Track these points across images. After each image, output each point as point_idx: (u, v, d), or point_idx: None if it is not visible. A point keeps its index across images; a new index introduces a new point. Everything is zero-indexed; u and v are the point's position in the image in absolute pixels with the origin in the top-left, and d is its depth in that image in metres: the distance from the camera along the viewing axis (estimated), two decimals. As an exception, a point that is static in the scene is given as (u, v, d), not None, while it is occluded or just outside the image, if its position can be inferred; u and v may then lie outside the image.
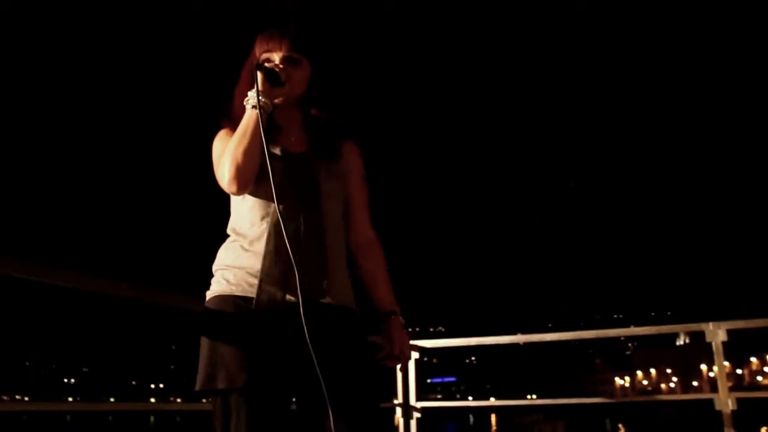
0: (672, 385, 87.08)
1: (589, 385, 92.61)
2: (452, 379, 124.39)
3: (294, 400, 1.80)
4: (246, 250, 1.83)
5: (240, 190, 1.79)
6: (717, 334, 3.79)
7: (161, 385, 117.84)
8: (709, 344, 3.83)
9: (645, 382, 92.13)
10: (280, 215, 1.77)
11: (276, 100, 1.83)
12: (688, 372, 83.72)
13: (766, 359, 77.70)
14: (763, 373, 78.35)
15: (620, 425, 45.33)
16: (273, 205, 1.76)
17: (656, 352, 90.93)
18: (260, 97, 1.76)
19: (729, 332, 3.79)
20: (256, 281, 1.78)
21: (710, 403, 3.73)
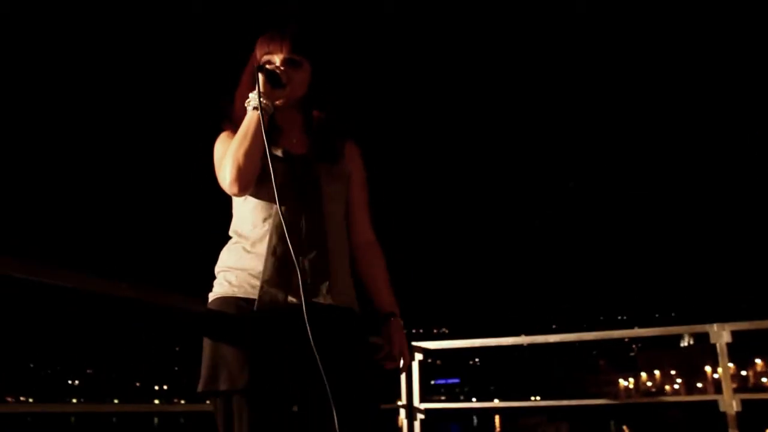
0: (676, 386, 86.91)
1: (592, 387, 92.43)
2: (456, 380, 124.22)
3: (296, 401, 1.80)
4: (248, 252, 1.83)
5: (241, 192, 1.80)
6: (721, 335, 3.79)
7: (165, 387, 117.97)
8: (714, 345, 3.82)
9: (649, 384, 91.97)
10: (282, 217, 1.77)
11: (277, 102, 1.83)
12: (692, 373, 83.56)
13: (770, 361, 77.55)
14: (767, 375, 78.17)
15: (624, 427, 45.27)
16: (275, 206, 1.77)
17: (660, 353, 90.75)
18: (261, 99, 1.77)
19: (733, 333, 3.78)
20: (258, 283, 1.78)
21: (714, 404, 3.73)
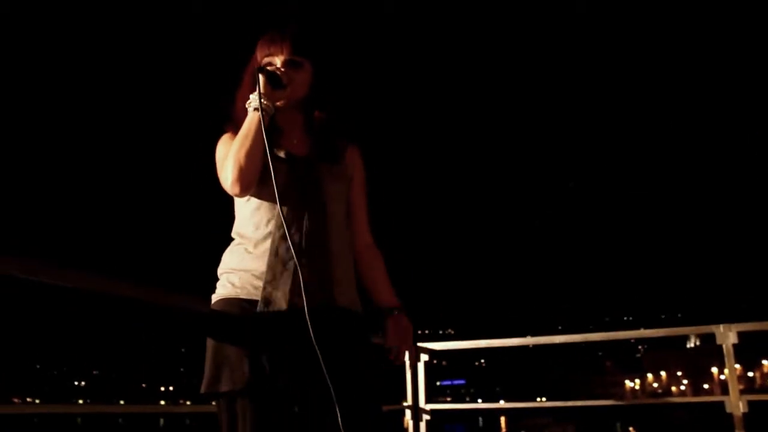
0: (682, 387, 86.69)
1: (598, 388, 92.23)
2: (462, 381, 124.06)
3: (298, 402, 1.80)
4: (250, 253, 1.83)
5: (243, 192, 1.80)
6: (728, 336, 3.77)
7: (171, 388, 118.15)
8: (720, 346, 3.81)
9: (655, 385, 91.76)
10: (284, 217, 1.78)
11: (278, 103, 1.84)
12: (698, 375, 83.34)
13: (777, 362, 77.29)
14: (774, 376, 77.92)
15: (631, 428, 45.18)
16: (277, 207, 1.77)
17: (667, 354, 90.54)
18: (262, 100, 1.77)
19: (740, 334, 3.77)
20: (261, 284, 1.79)
21: (721, 405, 3.71)
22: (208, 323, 1.83)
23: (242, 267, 1.83)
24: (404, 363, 4.43)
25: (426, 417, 4.35)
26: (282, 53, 1.88)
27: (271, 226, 1.82)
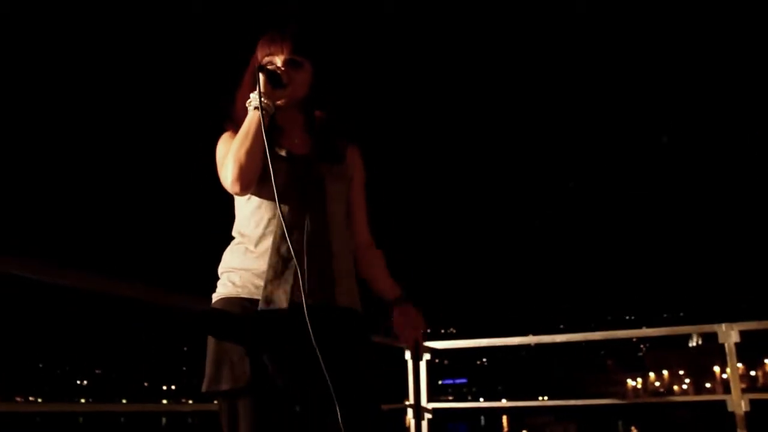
0: (684, 386, 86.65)
1: (600, 387, 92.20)
2: (463, 380, 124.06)
3: (299, 401, 1.81)
4: (251, 252, 1.83)
5: (243, 191, 1.81)
6: (730, 335, 3.77)
7: (173, 387, 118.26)
8: (722, 345, 3.81)
9: (657, 384, 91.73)
10: (285, 217, 1.78)
11: (278, 102, 1.84)
12: (700, 373, 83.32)
13: (779, 360, 77.22)
14: (776, 375, 77.86)
15: (633, 427, 45.15)
16: (278, 206, 1.77)
17: (669, 353, 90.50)
18: (262, 99, 1.78)
19: (742, 333, 3.77)
20: (261, 283, 1.79)
21: (723, 404, 3.71)
22: (210, 322, 1.83)
23: (243, 266, 1.83)
24: (407, 361, 4.43)
25: (428, 416, 4.36)
26: (282, 53, 1.88)
27: (272, 225, 1.82)
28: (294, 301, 1.75)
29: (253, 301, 1.79)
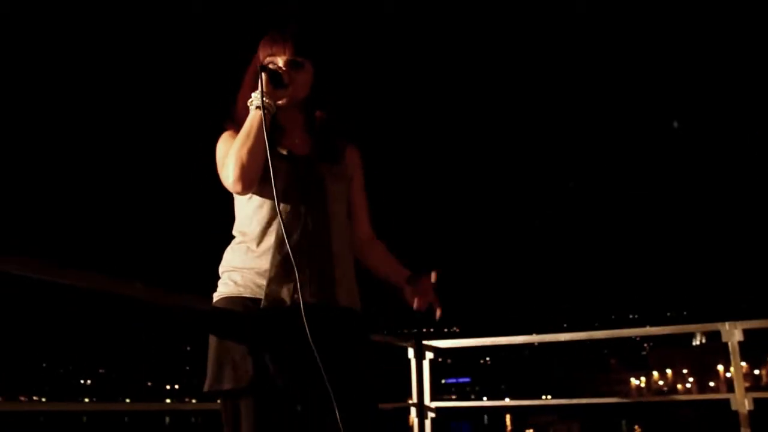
0: (688, 385, 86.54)
1: (604, 386, 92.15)
2: (467, 379, 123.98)
3: (300, 400, 1.81)
4: (253, 251, 1.84)
5: (245, 190, 1.81)
6: (733, 333, 3.76)
7: (176, 386, 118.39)
8: (726, 344, 3.79)
9: (661, 383, 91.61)
10: (286, 216, 1.79)
11: (279, 102, 1.85)
12: (704, 372, 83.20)
13: (783, 359, 77.06)
14: (780, 373, 77.72)
15: (636, 426, 45.13)
16: (279, 206, 1.77)
17: (672, 352, 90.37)
18: (264, 98, 1.78)
19: (745, 332, 3.75)
20: (264, 282, 1.79)
21: (726, 403, 3.70)
22: (212, 321, 1.83)
23: (245, 265, 1.83)
24: (410, 360, 4.43)
25: (431, 415, 4.35)
26: (284, 53, 1.88)
27: (273, 225, 1.83)
28: (296, 301, 1.75)
29: (255, 301, 1.79)
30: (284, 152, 1.88)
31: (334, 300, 1.84)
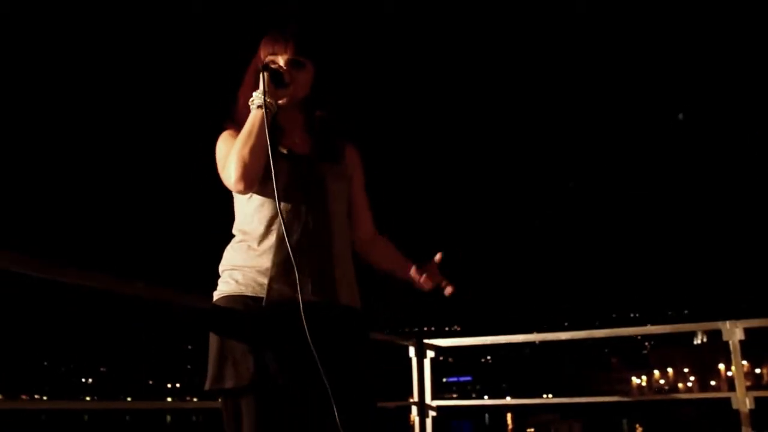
0: (689, 384, 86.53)
1: (605, 385, 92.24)
2: (468, 378, 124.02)
3: (301, 399, 1.81)
4: (254, 250, 1.84)
5: (246, 189, 1.81)
6: (734, 332, 3.75)
7: (177, 385, 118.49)
8: (727, 343, 3.79)
9: (662, 382, 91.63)
10: (288, 215, 1.80)
11: (280, 102, 1.85)
12: (705, 371, 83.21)
13: (784, 358, 77.01)
14: (781, 372, 77.69)
15: (637, 425, 45.14)
16: (280, 204, 1.78)
17: (673, 351, 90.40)
18: (266, 98, 1.79)
19: (746, 331, 3.75)
20: (265, 281, 1.79)
21: (727, 402, 3.70)
22: (213, 320, 1.84)
23: (246, 264, 1.84)
24: (411, 359, 4.44)
25: (432, 413, 4.35)
26: (285, 53, 1.89)
27: (274, 224, 1.83)
28: (297, 300, 1.75)
29: (256, 299, 1.79)
30: (284, 151, 1.88)
31: (335, 298, 1.84)
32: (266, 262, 1.81)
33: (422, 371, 4.40)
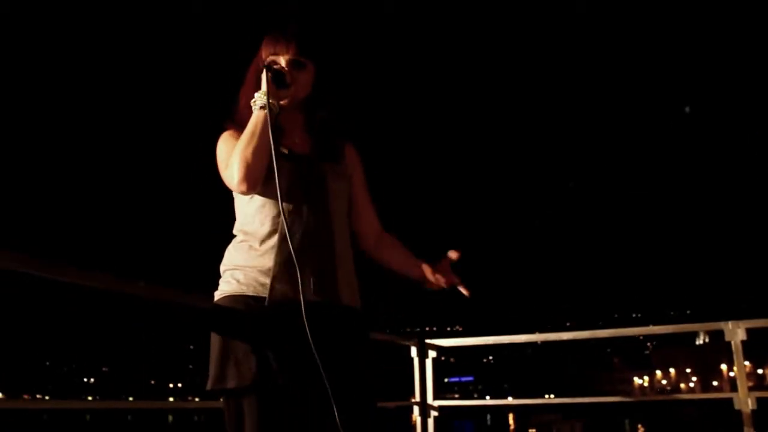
0: (692, 384, 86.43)
1: (607, 385, 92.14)
2: (470, 378, 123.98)
3: (303, 398, 1.81)
4: (255, 250, 1.84)
5: (250, 190, 1.81)
6: (736, 333, 3.75)
7: (179, 385, 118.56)
8: (729, 343, 3.79)
9: (664, 382, 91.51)
10: (289, 215, 1.80)
11: (281, 102, 1.85)
12: (707, 371, 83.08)
13: (787, 358, 76.91)
14: (784, 373, 77.58)
15: (639, 425, 45.09)
16: (282, 204, 1.78)
17: (676, 351, 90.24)
18: (269, 98, 1.79)
19: (749, 331, 3.74)
20: (267, 281, 1.80)
21: (729, 402, 3.69)
22: (216, 319, 1.84)
23: (247, 263, 1.84)
24: (413, 359, 4.43)
25: (434, 413, 4.35)
26: (287, 53, 1.89)
27: (276, 224, 1.83)
28: (299, 300, 1.75)
29: (258, 299, 1.79)
30: (285, 151, 1.88)
31: (337, 298, 1.84)
32: (268, 262, 1.81)
33: (424, 371, 4.40)
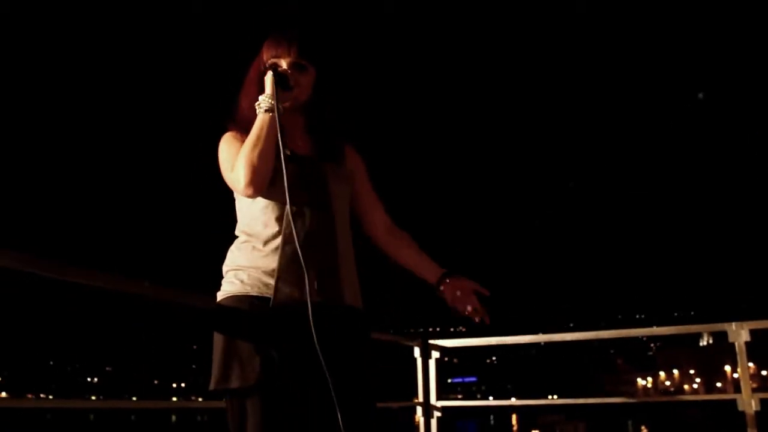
0: (695, 386, 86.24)
1: (610, 386, 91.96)
2: (473, 378, 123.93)
3: (306, 399, 1.81)
4: (259, 251, 1.84)
5: (256, 194, 1.81)
6: (740, 334, 3.74)
7: (183, 384, 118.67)
8: (733, 344, 3.78)
9: (668, 383, 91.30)
10: (294, 216, 1.79)
11: (284, 104, 1.86)
12: (711, 373, 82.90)
13: (791, 360, 76.73)
14: (788, 374, 77.38)
15: (643, 427, 45.02)
16: (286, 206, 1.78)
17: (679, 352, 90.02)
18: (275, 101, 1.80)
19: (752, 332, 3.73)
20: (271, 281, 1.80)
21: (733, 403, 3.69)
22: (220, 320, 1.84)
23: (251, 264, 1.84)
24: (416, 359, 4.43)
25: (437, 414, 4.35)
26: (289, 56, 1.90)
27: (279, 225, 1.83)
28: (303, 300, 1.75)
29: (261, 299, 1.79)
30: (288, 153, 1.89)
31: (340, 298, 1.85)
32: (272, 262, 1.81)
33: (427, 372, 4.40)
